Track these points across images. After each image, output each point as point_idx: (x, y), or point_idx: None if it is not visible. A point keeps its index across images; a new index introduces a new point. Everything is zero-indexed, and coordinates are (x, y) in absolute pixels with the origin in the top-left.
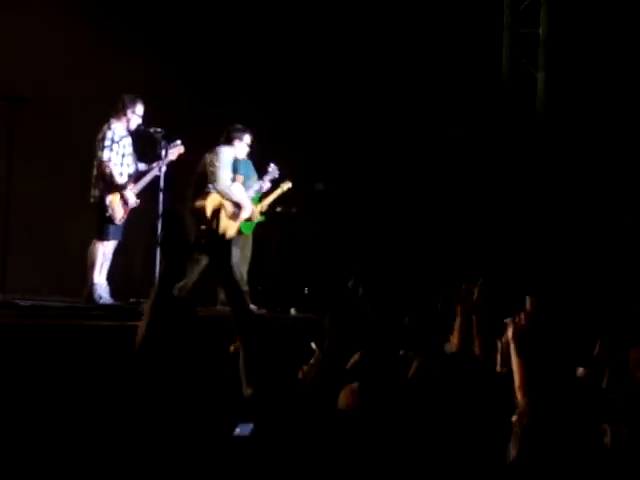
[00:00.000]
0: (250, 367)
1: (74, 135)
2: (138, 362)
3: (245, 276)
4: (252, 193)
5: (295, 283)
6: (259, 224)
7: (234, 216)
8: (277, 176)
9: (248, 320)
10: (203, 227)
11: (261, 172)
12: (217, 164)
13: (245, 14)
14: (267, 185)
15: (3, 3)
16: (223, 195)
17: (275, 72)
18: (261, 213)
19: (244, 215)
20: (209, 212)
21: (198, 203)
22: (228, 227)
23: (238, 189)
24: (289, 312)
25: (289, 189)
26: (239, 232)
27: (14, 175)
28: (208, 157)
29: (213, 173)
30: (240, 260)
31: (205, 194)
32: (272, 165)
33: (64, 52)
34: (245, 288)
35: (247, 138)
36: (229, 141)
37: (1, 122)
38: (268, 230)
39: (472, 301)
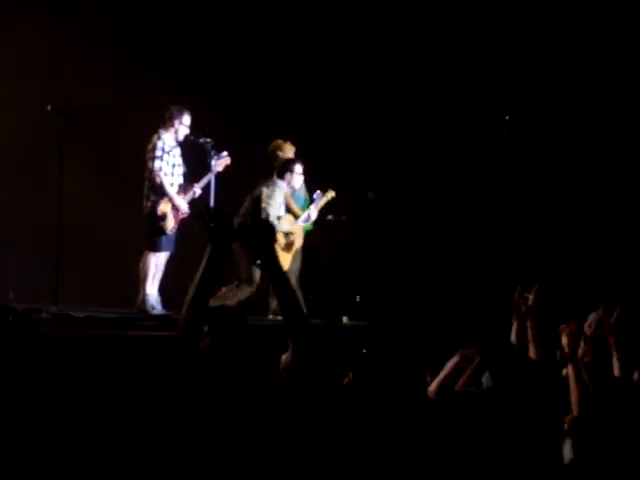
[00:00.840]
0: (295, 370)
1: (123, 146)
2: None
3: (297, 285)
4: (314, 214)
5: (347, 291)
6: (308, 233)
7: (287, 247)
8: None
9: (298, 315)
10: (259, 262)
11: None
12: (270, 201)
13: (284, 38)
14: (314, 214)
15: (53, 15)
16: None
17: (320, 82)
18: (310, 222)
19: (297, 245)
20: None
21: None
22: (282, 258)
23: (287, 220)
24: (341, 320)
25: (333, 198)
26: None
27: (65, 187)
28: (264, 191)
29: (265, 209)
30: (290, 270)
31: None
32: (318, 192)
33: (111, 64)
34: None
35: (298, 168)
36: (282, 175)
37: (51, 134)
38: (318, 239)
39: (527, 306)
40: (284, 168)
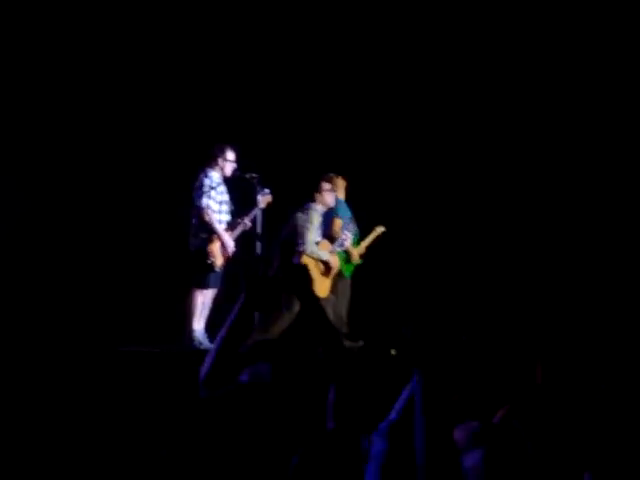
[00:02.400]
0: (338, 402)
1: (170, 184)
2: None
3: (345, 317)
4: (348, 240)
5: (395, 323)
6: (358, 267)
7: (326, 272)
8: (356, 230)
9: (338, 350)
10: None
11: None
12: (307, 225)
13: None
14: (349, 239)
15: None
16: (311, 256)
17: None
18: (360, 256)
19: (335, 269)
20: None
21: (292, 261)
22: (321, 284)
23: (325, 247)
24: (389, 352)
25: (383, 232)
26: (339, 275)
27: (110, 225)
28: (299, 216)
29: (302, 234)
30: (340, 304)
31: (298, 253)
32: (348, 219)
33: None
34: (344, 330)
35: (326, 185)
36: (314, 197)
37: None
38: (366, 271)
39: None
40: (312, 189)
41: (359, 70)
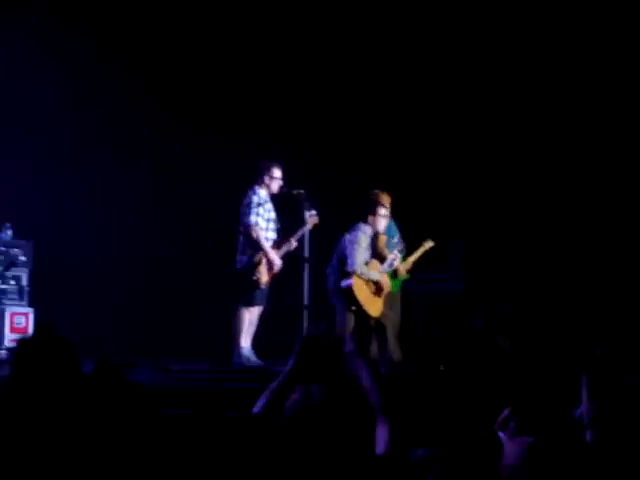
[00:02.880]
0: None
1: (215, 201)
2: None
3: (397, 332)
4: (397, 260)
5: (443, 339)
6: (405, 282)
7: (377, 292)
8: (403, 247)
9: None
10: (354, 308)
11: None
12: (355, 246)
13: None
14: (398, 259)
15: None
16: (361, 276)
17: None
18: (407, 271)
19: (386, 289)
20: (356, 292)
21: (344, 283)
22: (373, 304)
23: (375, 267)
24: (438, 368)
25: (431, 247)
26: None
27: (159, 242)
28: (348, 237)
29: (351, 255)
30: (386, 317)
31: (349, 274)
32: (396, 237)
33: (202, 120)
34: (392, 346)
35: (382, 211)
36: (365, 219)
37: (145, 189)
38: (415, 286)
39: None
40: (367, 211)
41: (407, 89)
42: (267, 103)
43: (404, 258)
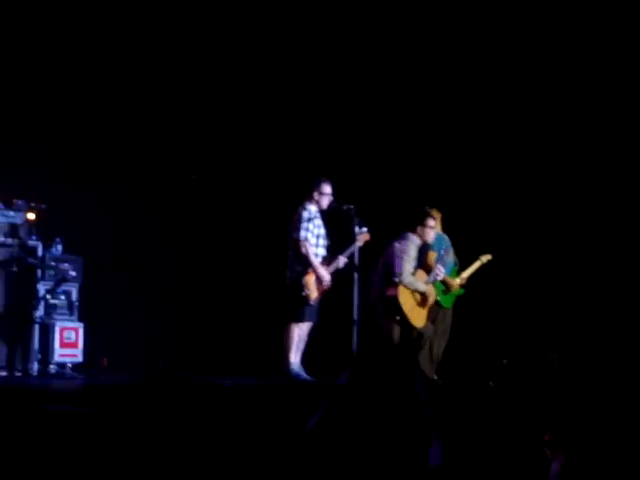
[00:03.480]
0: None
1: (266, 217)
2: None
3: (442, 349)
4: (441, 274)
5: (493, 355)
6: (459, 297)
7: (422, 302)
8: (456, 262)
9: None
10: (398, 317)
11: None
12: (403, 256)
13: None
14: (442, 273)
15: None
16: (408, 287)
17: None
18: (460, 286)
19: (431, 300)
20: (401, 301)
21: (389, 292)
22: (418, 315)
23: (421, 278)
24: (488, 384)
25: (488, 261)
26: (438, 305)
27: (209, 257)
28: (397, 246)
29: (399, 265)
30: (439, 334)
31: (395, 284)
32: (442, 251)
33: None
34: (438, 359)
35: (430, 222)
36: (414, 229)
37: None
38: (467, 301)
39: None
40: (416, 221)
41: (454, 104)
42: (318, 119)
43: (458, 273)
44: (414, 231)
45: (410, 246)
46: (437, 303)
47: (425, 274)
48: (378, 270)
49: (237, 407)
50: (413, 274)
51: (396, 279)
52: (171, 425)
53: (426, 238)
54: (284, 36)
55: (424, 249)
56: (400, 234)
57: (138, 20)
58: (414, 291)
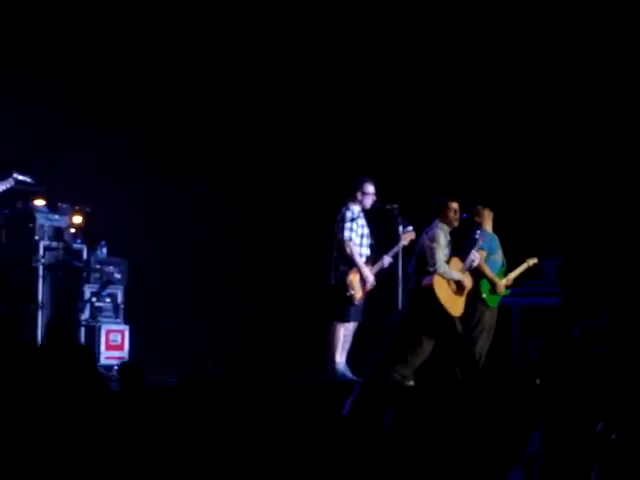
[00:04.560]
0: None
1: (309, 217)
2: None
3: (486, 348)
4: (477, 260)
5: (540, 353)
6: (504, 297)
7: (459, 291)
8: (503, 262)
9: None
10: (435, 308)
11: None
12: (433, 245)
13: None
14: (477, 261)
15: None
16: (443, 276)
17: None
18: (507, 287)
19: (468, 287)
20: (437, 291)
21: (425, 282)
22: (455, 303)
23: (456, 266)
24: (534, 382)
25: (535, 264)
26: (484, 304)
27: (252, 259)
28: (426, 236)
29: (431, 255)
30: (484, 332)
31: (430, 273)
32: (479, 232)
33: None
34: (482, 358)
35: (454, 205)
36: (442, 216)
37: (238, 207)
38: (513, 300)
39: None
40: (442, 209)
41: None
42: (361, 119)
43: (505, 274)
44: (442, 218)
45: (439, 234)
46: (483, 302)
47: (460, 262)
48: (412, 262)
49: (282, 407)
50: (448, 262)
51: (430, 269)
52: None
53: (453, 222)
54: (324, 37)
55: (470, 245)
56: (430, 224)
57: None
58: (450, 280)
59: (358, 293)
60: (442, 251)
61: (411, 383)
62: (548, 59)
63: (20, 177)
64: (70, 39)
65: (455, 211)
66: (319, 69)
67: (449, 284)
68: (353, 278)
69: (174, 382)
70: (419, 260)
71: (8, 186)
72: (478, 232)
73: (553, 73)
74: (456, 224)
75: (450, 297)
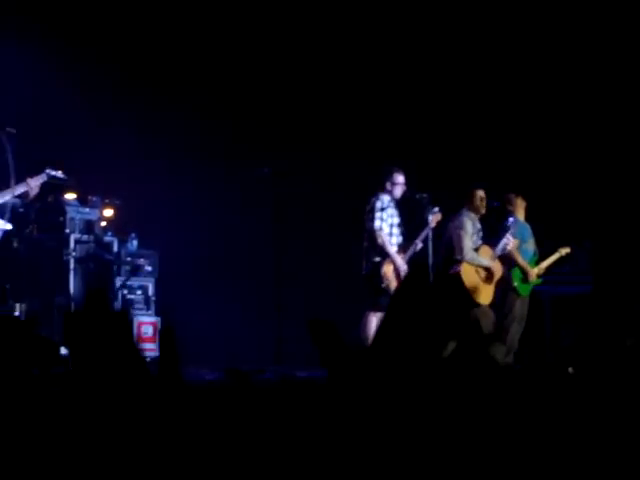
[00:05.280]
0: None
1: (340, 207)
2: None
3: (518, 336)
4: (510, 244)
5: (571, 342)
6: (535, 286)
7: (488, 279)
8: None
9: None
10: (459, 295)
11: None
12: (460, 232)
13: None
14: (510, 245)
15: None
16: (472, 263)
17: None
18: (538, 276)
19: (497, 275)
20: (464, 278)
21: (452, 270)
22: (484, 291)
23: (486, 253)
24: (567, 371)
25: (567, 253)
26: (516, 293)
27: (284, 249)
28: (452, 224)
29: (458, 242)
30: (516, 321)
31: (458, 261)
32: (511, 220)
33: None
34: (514, 346)
35: (481, 193)
36: (470, 205)
37: (269, 198)
38: (543, 290)
39: None
40: (468, 197)
41: (533, 90)
42: (393, 108)
43: (536, 263)
44: (469, 206)
45: (466, 221)
46: (515, 291)
47: (490, 250)
48: (441, 251)
49: (313, 399)
50: (477, 250)
51: (458, 256)
52: (252, 419)
53: (479, 209)
54: (357, 26)
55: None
56: (456, 213)
57: None
58: (478, 267)
59: (392, 283)
60: (469, 238)
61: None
62: (581, 45)
63: (52, 172)
64: (104, 36)
65: (481, 198)
66: (351, 59)
67: (478, 272)
68: (387, 269)
69: (206, 374)
70: (447, 249)
71: (41, 181)
72: (510, 220)
73: (584, 58)
74: (483, 211)
75: (479, 285)
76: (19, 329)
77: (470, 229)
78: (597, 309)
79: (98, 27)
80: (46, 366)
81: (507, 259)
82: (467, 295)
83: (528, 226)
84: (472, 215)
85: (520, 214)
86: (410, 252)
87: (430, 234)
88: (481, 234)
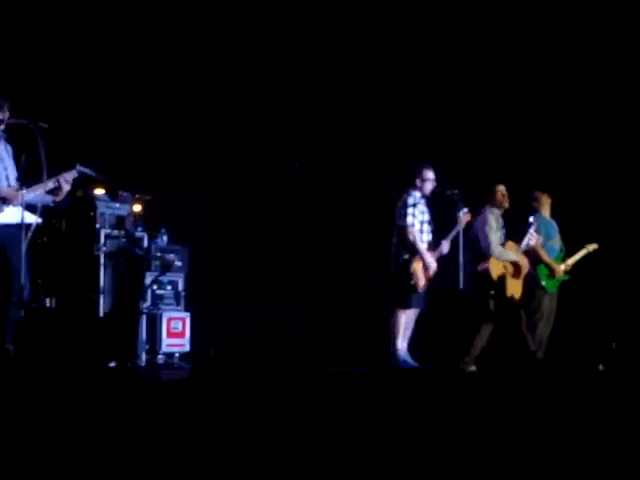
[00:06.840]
0: None
1: (370, 204)
2: None
3: (547, 332)
4: (534, 239)
5: (603, 338)
6: (563, 283)
7: (516, 273)
8: (562, 247)
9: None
10: (492, 292)
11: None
12: (485, 228)
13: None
14: (534, 240)
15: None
16: (499, 258)
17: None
18: (565, 272)
19: (525, 270)
20: (493, 275)
21: (481, 267)
22: (513, 285)
23: (512, 248)
24: (597, 368)
25: (595, 250)
26: (543, 290)
27: (313, 245)
28: (478, 221)
29: (484, 238)
30: (544, 317)
31: (485, 258)
32: (531, 217)
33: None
34: (543, 343)
35: (502, 188)
36: (492, 201)
37: (298, 194)
38: (571, 285)
39: None
40: (490, 193)
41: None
42: (421, 105)
43: (563, 259)
44: (492, 202)
45: (490, 217)
46: (542, 288)
47: (515, 245)
48: (468, 248)
49: (344, 394)
50: (502, 245)
51: (485, 253)
52: (281, 413)
53: (503, 204)
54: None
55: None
56: (480, 209)
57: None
58: (506, 262)
59: (421, 281)
60: (495, 234)
61: (472, 368)
62: (606, 43)
63: (83, 169)
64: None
65: (503, 194)
66: (378, 58)
67: (505, 267)
68: (416, 266)
69: None
70: (473, 247)
71: (72, 177)
72: (533, 217)
73: (608, 58)
74: (506, 205)
75: (508, 280)
76: (97, 324)
77: (495, 225)
78: (630, 306)
79: (124, 23)
80: (123, 360)
81: (532, 255)
82: (498, 290)
83: (554, 222)
84: (495, 211)
85: (545, 211)
86: (439, 251)
87: (461, 234)
88: (504, 230)
